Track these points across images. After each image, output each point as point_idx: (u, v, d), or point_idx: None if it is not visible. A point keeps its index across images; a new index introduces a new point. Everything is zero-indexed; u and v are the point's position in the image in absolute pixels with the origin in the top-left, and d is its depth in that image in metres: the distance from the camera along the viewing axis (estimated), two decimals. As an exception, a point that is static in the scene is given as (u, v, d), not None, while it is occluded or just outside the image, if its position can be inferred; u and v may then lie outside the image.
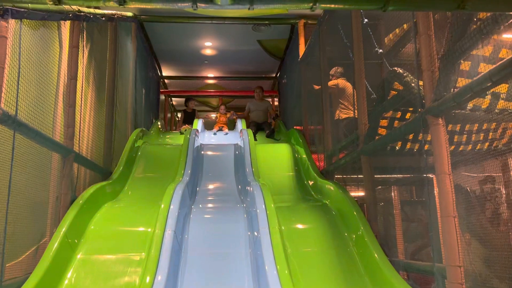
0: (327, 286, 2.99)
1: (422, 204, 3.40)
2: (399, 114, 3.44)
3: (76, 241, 3.28)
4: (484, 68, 2.21)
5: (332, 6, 2.01)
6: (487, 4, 1.91)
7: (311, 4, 1.84)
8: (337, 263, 3.25)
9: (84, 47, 3.92)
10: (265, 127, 7.90)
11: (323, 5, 1.88)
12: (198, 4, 1.81)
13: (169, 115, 11.40)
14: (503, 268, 2.88)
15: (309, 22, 6.99)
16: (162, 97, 10.52)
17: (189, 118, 8.54)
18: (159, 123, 8.17)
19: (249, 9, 1.85)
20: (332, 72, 5.27)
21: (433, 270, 2.54)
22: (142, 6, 1.85)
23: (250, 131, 6.35)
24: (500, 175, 2.89)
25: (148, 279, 2.64)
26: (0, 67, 2.28)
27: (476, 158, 3.03)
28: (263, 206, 3.56)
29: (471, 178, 3.01)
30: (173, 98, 11.78)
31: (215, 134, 7.59)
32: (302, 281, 2.93)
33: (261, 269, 2.85)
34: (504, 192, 2.91)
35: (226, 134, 7.62)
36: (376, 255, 3.07)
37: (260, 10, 3.56)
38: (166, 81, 10.60)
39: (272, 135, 7.64)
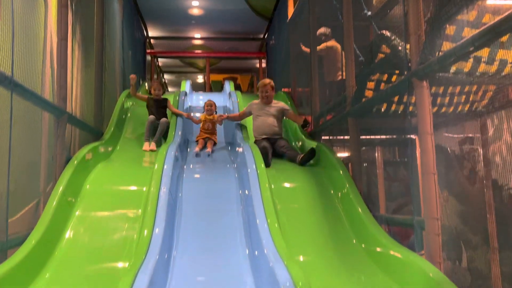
0: (314, 238, 3.20)
1: (404, 164, 3.59)
2: (385, 77, 3.55)
3: (73, 199, 3.39)
4: (468, 33, 2.31)
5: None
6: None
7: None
8: (323, 217, 3.45)
9: (73, 5, 3.86)
10: (286, 150, 4.57)
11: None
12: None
13: (155, 76, 11.30)
14: (477, 222, 3.11)
15: (299, -19, 6.91)
16: (148, 58, 10.39)
17: (157, 108, 5.26)
18: (146, 84, 8.13)
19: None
20: (320, 33, 5.30)
21: (412, 223, 2.75)
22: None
23: (238, 93, 6.36)
24: (478, 136, 3.07)
25: (146, 232, 2.78)
26: (-6, 27, 2.28)
27: (456, 119, 3.20)
28: (254, 166, 3.70)
29: (451, 138, 3.19)
30: (159, 59, 11.64)
31: (197, 155, 4.62)
32: (290, 234, 3.12)
33: (252, 222, 3.02)
34: (481, 151, 3.10)
35: (209, 155, 4.68)
36: (360, 210, 3.27)
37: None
38: (152, 41, 10.43)
39: (308, 160, 4.31)
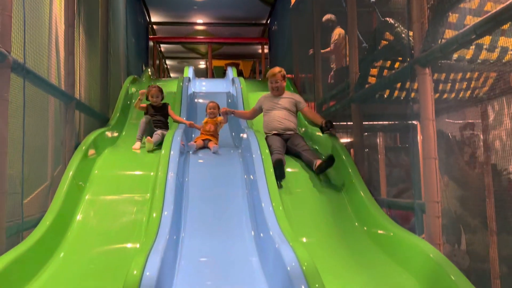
0: (317, 221, 3.30)
1: (406, 150, 3.66)
2: (389, 63, 3.60)
3: (82, 183, 3.48)
4: (470, 21, 2.36)
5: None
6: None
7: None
8: (326, 201, 3.54)
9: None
10: (301, 150, 4.02)
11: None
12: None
13: (157, 62, 11.32)
14: (476, 206, 3.20)
15: (302, -33, 6.88)
16: (151, 43, 10.40)
17: (158, 116, 4.70)
18: (149, 70, 8.17)
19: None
20: (327, 19, 5.29)
21: (413, 206, 2.84)
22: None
23: (242, 80, 6.40)
24: (479, 121, 3.14)
25: (155, 215, 2.87)
26: (7, 15, 2.34)
27: (458, 105, 3.26)
28: (258, 151, 3.78)
29: (452, 124, 3.25)
30: (161, 45, 11.63)
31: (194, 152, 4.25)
32: (294, 217, 3.22)
33: (258, 206, 3.11)
34: (481, 137, 3.17)
35: (215, 152, 4.25)
36: (362, 194, 3.36)
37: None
38: (154, 27, 10.42)
39: (326, 169, 3.74)
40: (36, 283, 2.38)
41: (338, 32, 5.08)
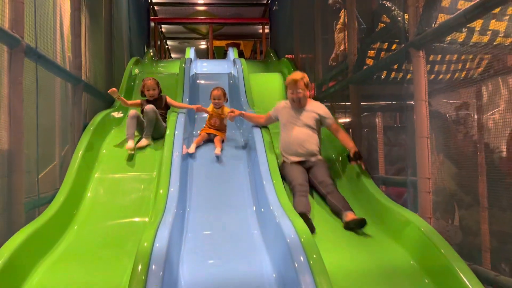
0: (315, 196, 3.46)
1: (402, 129, 3.80)
2: (385, 45, 3.70)
3: (91, 162, 3.64)
4: (462, 5, 2.47)
5: None
6: None
7: None
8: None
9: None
10: (326, 192, 3.33)
11: None
12: None
13: (159, 42, 11.34)
14: (469, 183, 3.34)
15: None
16: (152, 24, 10.40)
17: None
18: (151, 51, 8.23)
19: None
20: (334, 1, 5.31)
21: (406, 182, 3.00)
22: None
23: (243, 60, 6.45)
24: (473, 101, 3.26)
25: (162, 191, 3.04)
26: (19, 2, 2.45)
27: (453, 86, 3.37)
28: (259, 131, 3.92)
29: (448, 104, 3.38)
30: (162, 26, 11.63)
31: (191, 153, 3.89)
32: (294, 193, 3.39)
33: (259, 183, 3.28)
34: (475, 117, 3.29)
35: (218, 156, 3.83)
36: (358, 171, 3.51)
37: None
38: (155, 8, 10.41)
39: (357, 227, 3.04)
40: (54, 253, 2.57)
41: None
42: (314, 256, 2.20)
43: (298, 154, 3.52)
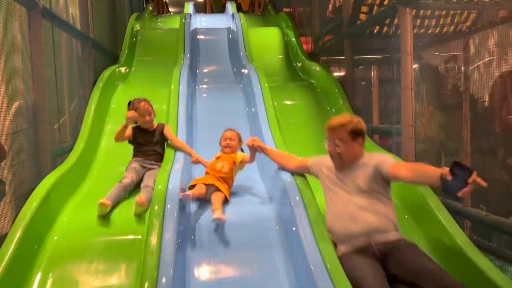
0: (310, 146, 3.77)
1: (391, 81, 4.06)
2: (378, 1, 3.88)
3: (103, 115, 3.93)
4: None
5: None
6: None
7: None
8: (318, 130, 3.99)
9: None
10: None
11: None
12: None
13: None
14: (455, 131, 3.64)
15: None
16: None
17: (151, 145, 3.24)
18: (150, 6, 8.24)
19: None
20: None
21: (391, 130, 3.30)
22: None
23: (242, 15, 6.51)
24: (460, 54, 3.48)
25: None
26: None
27: (441, 40, 3.59)
28: (259, 85, 4.17)
29: (437, 56, 3.60)
30: (159, -21, 11.45)
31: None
32: (290, 141, 3.69)
33: (258, 133, 3.58)
34: (462, 69, 3.53)
35: (218, 222, 2.53)
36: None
37: None
38: (152, -40, 10.23)
39: None
40: (79, 194, 2.94)
41: None
42: (309, 195, 2.49)
43: (355, 235, 2.19)
